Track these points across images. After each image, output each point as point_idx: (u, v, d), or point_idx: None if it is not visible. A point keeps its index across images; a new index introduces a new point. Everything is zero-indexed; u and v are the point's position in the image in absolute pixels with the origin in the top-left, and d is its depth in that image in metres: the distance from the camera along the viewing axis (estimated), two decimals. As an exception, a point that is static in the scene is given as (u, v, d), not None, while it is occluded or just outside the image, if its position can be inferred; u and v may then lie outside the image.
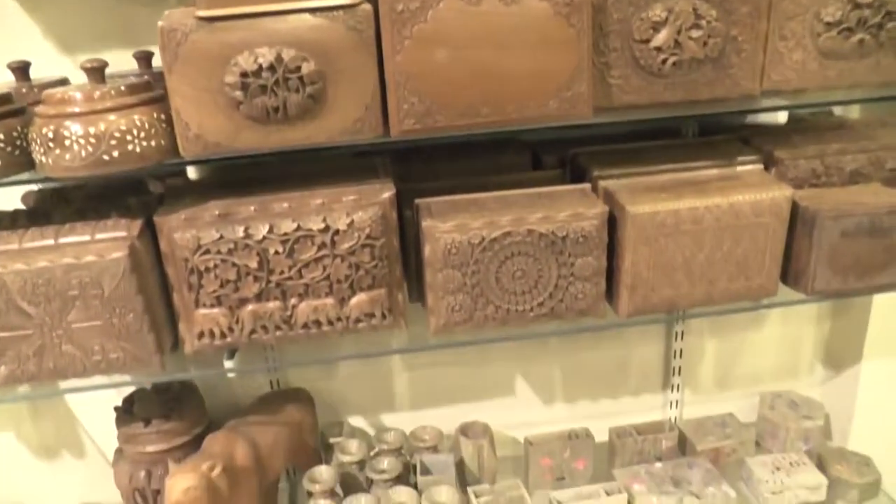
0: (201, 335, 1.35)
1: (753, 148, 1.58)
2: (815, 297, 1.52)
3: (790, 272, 1.52)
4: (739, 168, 1.53)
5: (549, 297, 1.38)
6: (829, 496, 1.80)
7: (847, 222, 1.45)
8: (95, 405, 1.76)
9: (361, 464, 1.75)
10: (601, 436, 1.89)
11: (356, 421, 1.93)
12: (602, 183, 1.46)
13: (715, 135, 1.67)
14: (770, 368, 2.06)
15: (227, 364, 1.39)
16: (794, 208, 1.47)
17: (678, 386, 1.98)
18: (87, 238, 1.28)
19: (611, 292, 1.44)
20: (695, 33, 1.32)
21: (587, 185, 1.44)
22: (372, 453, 1.76)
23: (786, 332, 2.01)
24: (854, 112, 1.84)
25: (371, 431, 1.93)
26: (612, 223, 1.39)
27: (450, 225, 1.33)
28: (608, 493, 1.66)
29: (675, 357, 1.94)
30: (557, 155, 1.61)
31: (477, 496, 1.63)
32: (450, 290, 1.36)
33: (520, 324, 1.39)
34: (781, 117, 1.65)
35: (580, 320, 1.42)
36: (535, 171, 1.60)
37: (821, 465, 1.83)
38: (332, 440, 1.83)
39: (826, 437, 2.06)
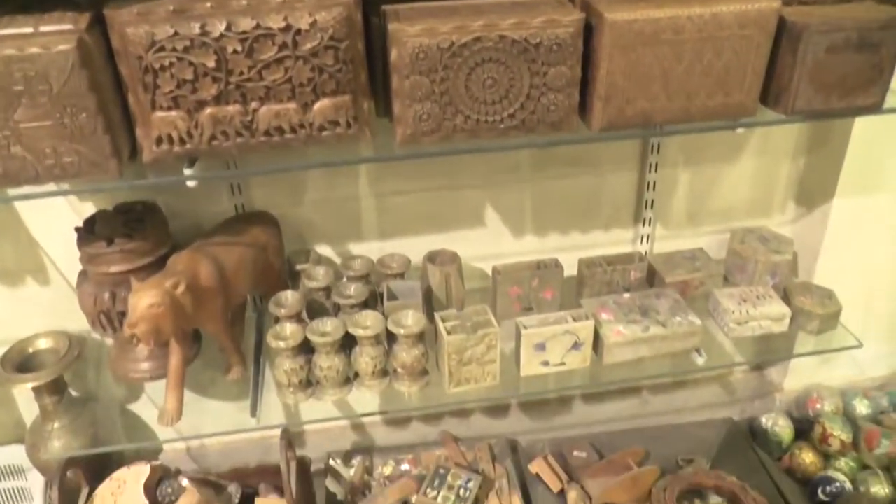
0: (159, 140, 1.29)
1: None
2: (795, 118, 1.47)
3: (771, 91, 1.47)
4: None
5: (520, 107, 1.33)
6: (791, 327, 1.81)
7: (835, 37, 1.40)
8: (57, 230, 1.71)
9: (328, 290, 1.73)
10: (571, 269, 1.88)
11: (323, 250, 1.90)
12: (580, -10, 1.38)
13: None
14: (742, 204, 2.04)
15: (188, 171, 1.34)
16: (781, 23, 1.40)
17: (650, 220, 1.96)
18: (30, 30, 1.19)
19: (584, 106, 1.39)
20: None
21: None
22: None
23: (760, 166, 1.99)
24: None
25: (338, 260, 1.90)
26: (589, 32, 1.32)
27: (418, 28, 1.25)
28: (575, 320, 1.65)
29: (647, 189, 1.91)
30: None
31: (444, 321, 1.62)
32: (417, 97, 1.30)
33: (490, 136, 1.35)
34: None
35: (552, 134, 1.37)
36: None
37: (786, 298, 1.84)
38: (298, 267, 1.81)
39: (793, 274, 2.07)
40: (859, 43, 1.41)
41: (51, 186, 1.31)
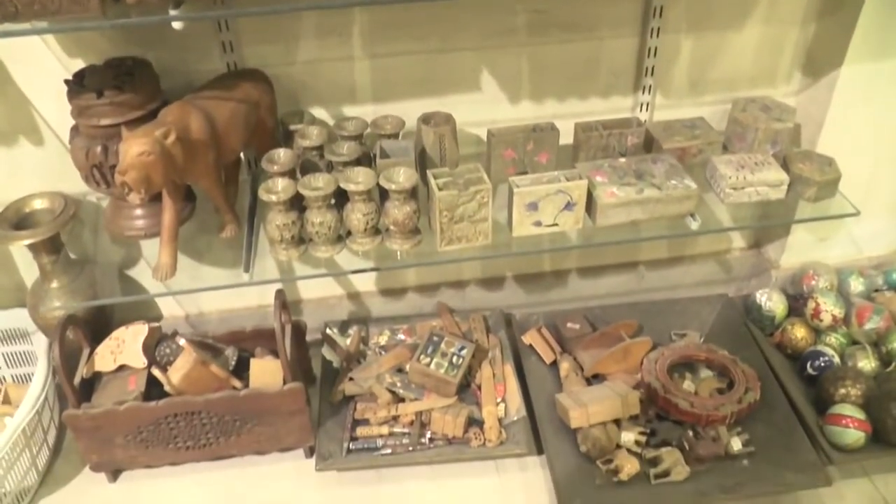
0: (141, -21, 1.26)
1: None
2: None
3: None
4: None
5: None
6: (789, 194, 1.80)
7: None
8: (49, 87, 1.69)
9: (321, 149, 1.72)
10: (568, 136, 1.86)
11: (318, 112, 1.87)
12: None
13: None
14: (747, 74, 1.99)
15: (173, 13, 1.31)
16: None
17: (650, 87, 1.92)
18: None
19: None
20: None
21: None
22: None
23: (767, 34, 1.93)
24: None
25: (332, 122, 1.88)
26: None
27: None
28: (569, 179, 1.64)
29: (648, 55, 1.87)
30: None
31: (436, 177, 1.61)
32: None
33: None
34: None
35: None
36: None
37: (785, 166, 1.82)
38: (292, 127, 1.79)
39: (795, 143, 2.04)
40: None
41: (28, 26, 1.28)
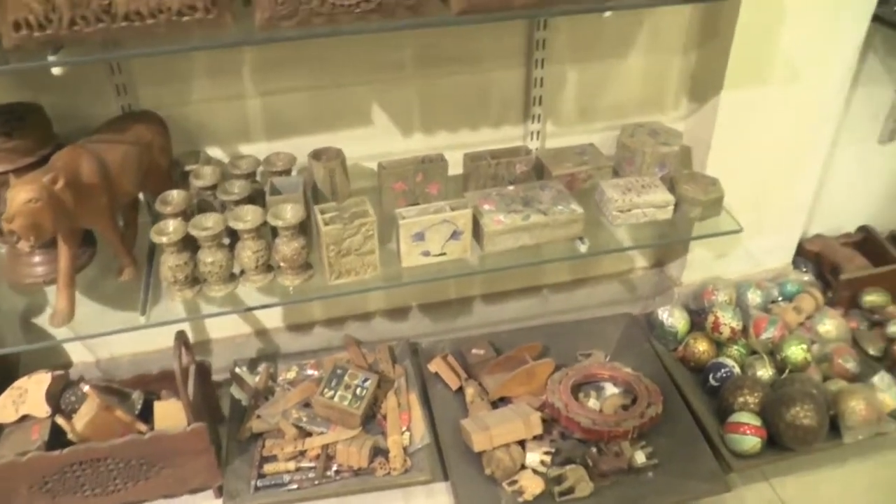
0: (17, 26, 1.27)
1: None
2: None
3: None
4: None
5: (376, -11, 1.33)
6: (676, 214, 1.86)
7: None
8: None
9: (215, 189, 1.74)
10: (460, 166, 1.91)
11: (213, 151, 1.89)
12: None
13: None
14: (635, 100, 2.07)
15: (51, 58, 1.32)
16: None
17: (539, 116, 1.98)
18: None
19: (447, -10, 1.40)
20: None
21: None
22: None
23: (651, 62, 2.01)
24: None
25: (227, 161, 1.90)
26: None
27: None
28: (453, 209, 1.68)
29: (535, 86, 1.93)
30: None
31: (322, 212, 1.64)
32: (273, -20, 1.30)
33: (348, 20, 1.34)
34: None
35: (411, 17, 1.37)
36: None
37: (672, 188, 1.89)
38: (188, 168, 1.80)
39: (684, 166, 2.12)
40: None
41: None
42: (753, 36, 1.91)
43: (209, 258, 1.61)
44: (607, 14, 1.51)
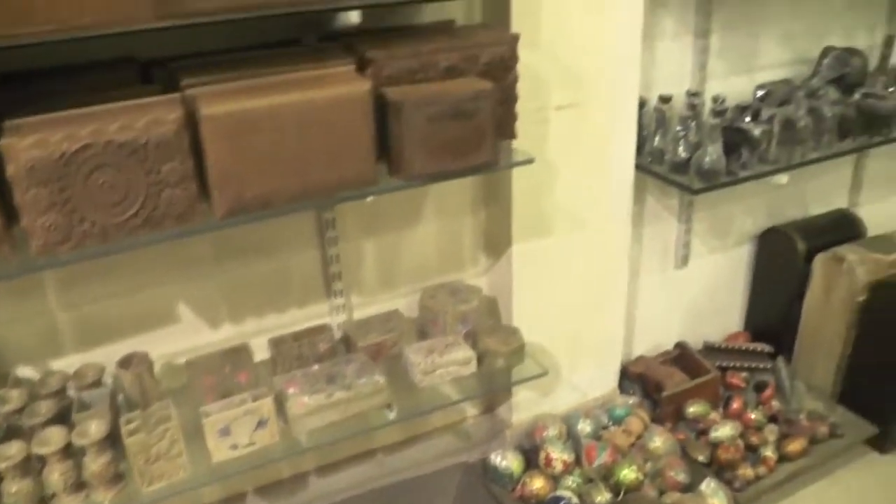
0: None
1: (352, 52, 1.66)
2: (415, 182, 1.63)
3: (391, 161, 1.63)
4: (333, 70, 1.59)
5: (141, 206, 1.40)
6: (480, 368, 1.96)
7: (431, 109, 1.57)
8: None
9: (23, 411, 1.72)
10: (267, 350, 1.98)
11: (25, 370, 1.88)
12: (189, 91, 1.48)
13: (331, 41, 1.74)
14: (435, 262, 2.19)
15: None
16: (384, 101, 1.57)
17: (342, 291, 2.07)
18: None
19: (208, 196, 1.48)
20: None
21: (175, 95, 1.46)
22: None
23: (444, 224, 2.15)
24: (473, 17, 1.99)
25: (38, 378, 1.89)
26: (195, 126, 1.42)
27: (29, 141, 1.30)
28: (254, 399, 1.72)
29: (332, 263, 2.03)
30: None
31: (127, 423, 1.65)
32: (41, 209, 1.34)
33: (120, 237, 1.41)
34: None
35: (180, 226, 1.45)
36: (142, 86, 1.60)
37: (474, 342, 1.99)
38: (-5, 391, 1.79)
39: (490, 318, 2.24)
40: (455, 113, 1.59)
41: None
42: (531, 196, 2.09)
43: (13, 488, 1.58)
44: (370, 199, 1.63)
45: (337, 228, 1.99)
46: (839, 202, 3.07)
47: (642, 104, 2.29)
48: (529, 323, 2.18)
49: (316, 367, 1.87)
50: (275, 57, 1.65)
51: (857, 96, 2.51)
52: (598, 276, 2.35)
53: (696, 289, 2.88)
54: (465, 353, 1.93)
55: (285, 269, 2.02)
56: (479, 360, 1.96)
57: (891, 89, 2.57)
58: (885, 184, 3.16)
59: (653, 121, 2.30)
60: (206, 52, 1.68)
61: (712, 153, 2.16)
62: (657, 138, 2.30)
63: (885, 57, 2.82)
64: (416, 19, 1.90)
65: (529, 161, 1.80)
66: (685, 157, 2.23)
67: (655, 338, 2.83)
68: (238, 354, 1.87)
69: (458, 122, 1.61)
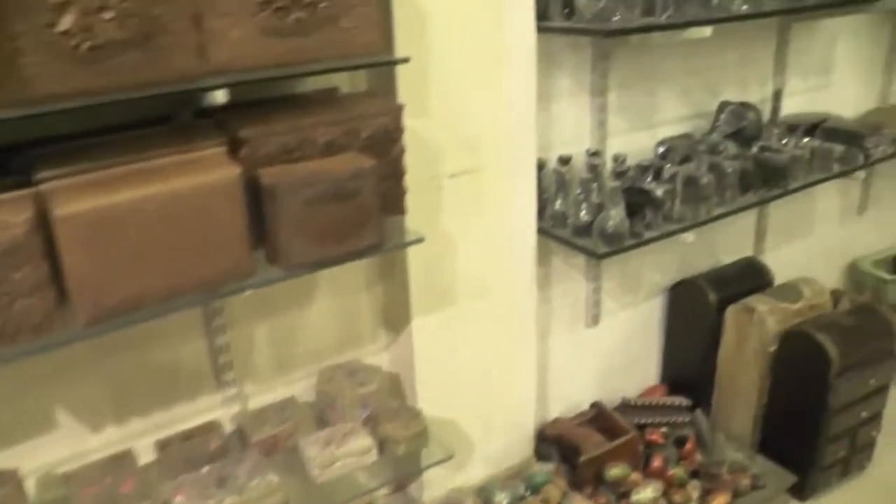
0: None
1: (225, 130, 1.55)
2: (297, 272, 1.53)
3: (269, 250, 1.53)
4: (202, 153, 1.49)
5: (-7, 320, 1.28)
6: (382, 455, 1.86)
7: (309, 191, 1.48)
8: None
9: None
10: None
11: None
12: (43, 185, 1.35)
13: (206, 118, 1.63)
14: (332, 342, 2.08)
15: None
16: (257, 184, 1.47)
17: (234, 381, 1.95)
18: None
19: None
20: (106, 15, 1.26)
21: (24, 193, 1.33)
22: None
23: (339, 303, 2.05)
24: (358, 83, 1.90)
25: None
26: (48, 227, 1.30)
27: None
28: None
29: (222, 353, 1.90)
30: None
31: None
32: None
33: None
34: (256, 96, 1.66)
35: (38, 339, 1.32)
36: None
37: (375, 428, 1.88)
38: None
39: (397, 397, 2.14)
40: (334, 194, 1.50)
41: None
42: (428, 267, 2.00)
43: None
44: (248, 293, 1.52)
45: (224, 315, 1.87)
46: (746, 250, 3.08)
47: (541, 166, 2.25)
48: (435, 397, 2.09)
49: (206, 469, 1.73)
50: (141, 140, 1.53)
51: (754, 150, 2.53)
52: (506, 343, 2.27)
53: (610, 345, 2.83)
54: (364, 442, 1.82)
55: (171, 362, 1.88)
56: (380, 446, 1.85)
57: (784, 141, 2.59)
58: (787, 230, 3.21)
59: (553, 183, 2.25)
60: (68, 135, 1.54)
61: (615, 216, 2.11)
62: (558, 201, 2.25)
63: (775, 109, 2.88)
64: (297, 88, 1.81)
65: (419, 241, 1.72)
66: (588, 220, 2.18)
67: (571, 398, 2.77)
68: (121, 462, 1.73)
69: (339, 204, 1.52)
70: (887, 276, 3.57)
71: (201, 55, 1.40)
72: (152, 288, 1.38)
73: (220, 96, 1.43)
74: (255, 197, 1.48)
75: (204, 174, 1.40)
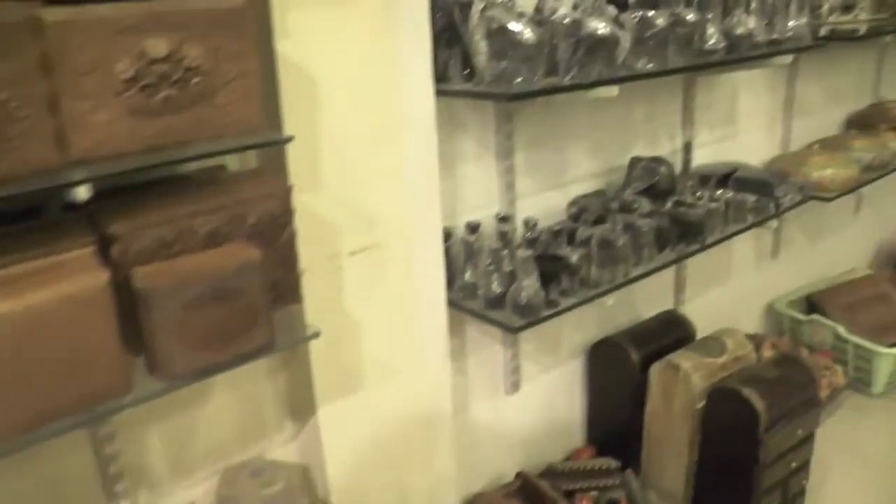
0: None
1: (95, 225, 1.40)
2: (180, 382, 1.38)
3: (149, 361, 1.38)
4: (66, 255, 1.33)
5: None
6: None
7: (187, 293, 1.34)
8: None
9: None
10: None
11: None
12: None
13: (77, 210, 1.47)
14: (234, 437, 1.92)
15: None
16: (130, 290, 1.33)
17: (126, 492, 1.77)
18: None
19: None
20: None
21: None
22: None
23: (239, 395, 1.90)
24: (248, 158, 1.77)
25: None
26: None
27: None
28: None
29: (112, 462, 1.73)
30: None
31: None
32: None
33: None
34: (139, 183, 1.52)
35: None
36: None
37: (282, 534, 1.74)
38: None
39: (307, 493, 1.98)
40: (216, 294, 1.37)
41: None
42: (332, 351, 1.87)
43: None
44: (126, 411, 1.36)
45: (112, 423, 1.69)
46: (666, 303, 3.05)
47: (448, 235, 2.15)
48: (348, 484, 1.96)
49: None
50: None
51: (669, 205, 2.49)
52: (421, 421, 2.14)
53: (533, 411, 2.73)
54: (266, 552, 1.67)
55: (54, 480, 1.67)
56: (290, 554, 1.70)
57: (698, 194, 2.56)
58: (705, 279, 3.20)
59: (462, 252, 2.15)
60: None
61: (528, 287, 2.02)
62: (468, 272, 2.15)
63: (686, 161, 2.86)
64: (179, 168, 1.67)
65: (314, 336, 1.59)
66: (500, 291, 2.08)
67: (496, 469, 2.66)
68: None
69: (223, 304, 1.39)
70: (802, 317, 3.62)
71: (61, 143, 1.26)
72: (9, 417, 1.22)
73: (83, 192, 1.28)
74: (131, 301, 1.34)
75: (67, 283, 1.25)
